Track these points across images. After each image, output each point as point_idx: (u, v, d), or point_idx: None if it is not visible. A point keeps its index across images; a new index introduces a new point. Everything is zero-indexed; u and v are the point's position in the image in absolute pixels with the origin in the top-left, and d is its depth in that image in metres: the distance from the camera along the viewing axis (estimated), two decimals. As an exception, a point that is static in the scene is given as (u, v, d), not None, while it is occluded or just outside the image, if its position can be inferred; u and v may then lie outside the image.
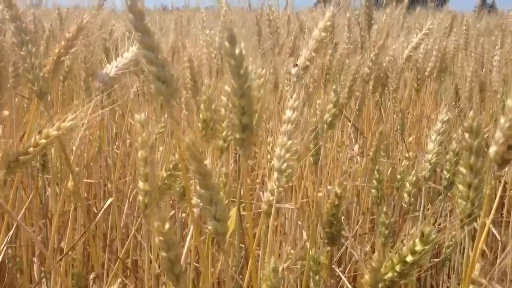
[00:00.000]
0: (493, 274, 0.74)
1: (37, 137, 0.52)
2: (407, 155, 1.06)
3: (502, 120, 0.32)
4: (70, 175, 0.71)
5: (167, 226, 0.36)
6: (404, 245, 0.38)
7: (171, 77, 0.39)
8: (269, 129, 1.04)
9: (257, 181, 1.12)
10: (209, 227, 0.41)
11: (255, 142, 1.02)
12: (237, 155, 0.94)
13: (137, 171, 0.41)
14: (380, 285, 0.37)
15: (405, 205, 0.67)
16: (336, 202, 0.47)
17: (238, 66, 0.38)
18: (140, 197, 0.41)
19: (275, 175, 0.45)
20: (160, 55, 0.39)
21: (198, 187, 0.40)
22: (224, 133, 0.53)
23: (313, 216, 0.82)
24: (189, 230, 0.90)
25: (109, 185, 1.16)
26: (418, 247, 0.36)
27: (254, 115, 0.39)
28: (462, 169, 0.37)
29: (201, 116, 0.56)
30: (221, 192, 0.42)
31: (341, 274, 0.91)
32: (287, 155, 0.44)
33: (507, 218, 1.07)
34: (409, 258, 0.37)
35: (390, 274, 0.38)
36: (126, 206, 1.00)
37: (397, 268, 0.38)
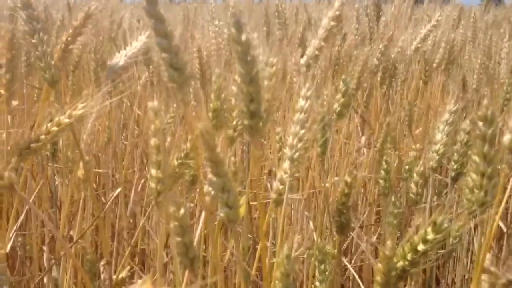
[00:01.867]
0: (502, 263, 0.74)
1: (49, 124, 0.52)
2: (414, 146, 1.06)
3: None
4: (81, 163, 0.71)
5: (182, 211, 0.36)
6: (415, 234, 0.38)
7: (184, 65, 0.39)
8: (277, 119, 1.04)
9: (264, 172, 1.13)
10: (221, 214, 0.41)
11: (263, 132, 1.02)
12: (244, 146, 0.94)
13: (150, 158, 0.41)
14: (392, 273, 0.37)
15: (413, 196, 0.67)
16: (346, 191, 0.47)
17: (245, 52, 0.39)
18: (152, 185, 0.42)
19: (287, 164, 0.45)
20: (173, 42, 0.39)
21: (209, 175, 0.41)
22: (234, 123, 0.53)
23: (321, 206, 0.82)
24: (196, 220, 0.90)
25: (117, 175, 1.17)
26: (430, 236, 0.36)
27: (262, 102, 0.40)
28: (475, 158, 0.37)
29: (211, 105, 0.57)
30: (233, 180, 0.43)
31: (348, 264, 0.91)
32: (300, 144, 0.44)
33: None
34: (420, 247, 0.37)
35: (401, 263, 0.38)
36: (132, 194, 1.00)
37: (409, 256, 0.38)
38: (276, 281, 0.39)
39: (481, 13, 2.00)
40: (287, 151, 0.45)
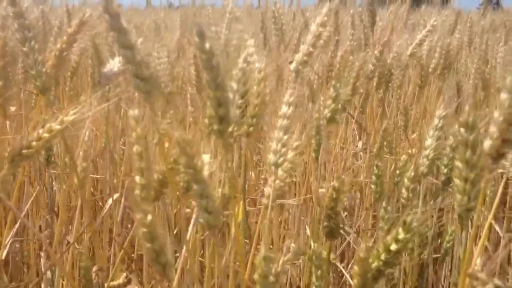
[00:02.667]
0: (493, 269, 0.75)
1: (40, 131, 0.52)
2: (409, 151, 1.07)
3: (496, 114, 0.33)
4: (77, 169, 0.72)
5: (149, 217, 0.37)
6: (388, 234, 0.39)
7: (149, 75, 0.40)
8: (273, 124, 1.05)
9: (262, 176, 1.13)
10: (200, 220, 0.41)
11: (259, 138, 1.03)
12: (241, 151, 0.95)
13: (133, 165, 0.42)
14: (368, 275, 0.38)
15: (403, 201, 0.68)
16: (334, 196, 0.48)
17: (209, 59, 0.40)
18: (137, 191, 0.42)
19: (272, 168, 0.46)
20: (138, 54, 0.40)
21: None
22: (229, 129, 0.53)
23: (317, 212, 0.83)
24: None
25: (115, 181, 1.17)
26: (401, 236, 0.37)
27: (229, 106, 0.41)
28: (458, 164, 0.37)
29: (207, 112, 0.57)
30: (213, 186, 0.43)
31: (343, 270, 0.91)
32: (283, 149, 0.45)
33: (509, 214, 1.08)
34: (393, 247, 0.38)
35: (376, 263, 0.39)
36: (123, 200, 1.01)
37: (382, 257, 0.39)
38: (257, 284, 0.40)
39: (479, 17, 2.01)
40: (270, 156, 0.46)
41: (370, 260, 0.38)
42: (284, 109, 0.45)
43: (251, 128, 0.42)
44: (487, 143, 0.33)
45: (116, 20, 0.39)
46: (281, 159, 0.45)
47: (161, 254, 0.37)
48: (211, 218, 0.40)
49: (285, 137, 0.45)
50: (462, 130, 0.36)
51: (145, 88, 0.40)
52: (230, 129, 0.40)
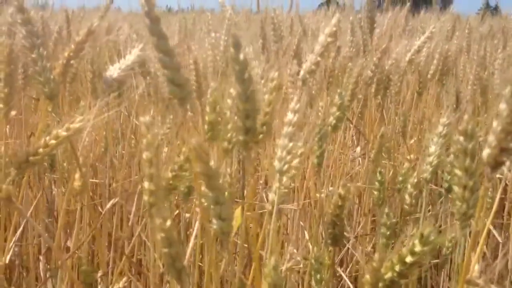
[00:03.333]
0: (492, 275, 0.75)
1: (47, 138, 0.53)
2: (408, 157, 1.07)
3: (494, 123, 0.34)
4: (78, 174, 0.72)
5: (168, 223, 0.37)
6: (404, 246, 0.39)
7: (185, 81, 0.41)
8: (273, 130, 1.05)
9: (260, 182, 1.13)
10: (214, 227, 0.42)
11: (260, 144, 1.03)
12: (240, 157, 0.95)
13: (142, 172, 0.42)
14: (380, 284, 0.38)
15: (407, 207, 0.68)
16: (339, 203, 0.48)
17: (242, 71, 0.40)
18: (145, 197, 0.43)
19: (277, 176, 0.46)
20: (175, 59, 0.40)
21: (203, 188, 0.42)
22: (229, 135, 0.54)
23: (317, 216, 0.83)
24: (193, 230, 0.91)
25: (114, 185, 1.17)
26: (418, 248, 0.37)
27: (257, 118, 0.41)
28: (458, 171, 0.38)
29: (207, 118, 0.58)
30: (226, 193, 0.44)
31: (343, 274, 0.92)
32: (288, 157, 0.45)
33: (508, 220, 1.08)
34: (408, 259, 0.38)
35: (390, 274, 0.39)
36: (132, 204, 1.01)
37: (397, 268, 0.39)
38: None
39: (477, 23, 2.02)
40: (276, 164, 0.46)
41: (383, 271, 0.38)
42: (289, 116, 0.45)
43: (260, 136, 0.42)
44: (485, 152, 0.34)
45: (156, 25, 0.39)
46: (286, 166, 0.45)
47: (177, 260, 0.38)
48: (225, 224, 0.40)
49: (291, 144, 0.45)
50: (461, 138, 0.37)
51: (180, 94, 0.40)
52: (252, 139, 0.40)
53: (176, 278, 0.39)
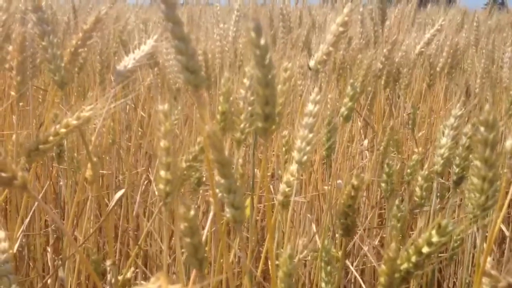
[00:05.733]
0: (503, 267, 0.75)
1: (57, 126, 0.53)
2: (416, 150, 1.07)
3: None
4: (89, 164, 0.72)
5: (192, 212, 0.37)
6: (420, 236, 0.39)
7: (199, 68, 0.40)
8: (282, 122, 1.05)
9: (268, 174, 1.13)
10: (227, 215, 0.42)
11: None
12: (249, 148, 0.95)
13: (159, 160, 0.42)
14: (396, 275, 0.38)
15: (417, 199, 0.68)
16: (352, 194, 0.48)
17: (263, 56, 0.39)
18: (161, 186, 0.42)
19: (294, 167, 0.46)
20: (190, 46, 0.40)
21: (216, 176, 0.41)
22: (242, 125, 0.54)
23: (326, 208, 0.83)
24: (200, 221, 0.91)
25: (121, 177, 1.18)
26: (435, 239, 0.37)
27: (276, 105, 0.40)
28: (477, 162, 0.38)
29: (220, 108, 0.57)
30: (239, 182, 0.44)
31: (351, 266, 0.92)
32: (308, 147, 0.45)
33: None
34: (425, 249, 0.38)
35: (406, 265, 0.39)
36: (138, 195, 1.01)
37: (413, 259, 0.38)
38: (279, 281, 0.40)
39: (485, 17, 2.01)
40: (295, 154, 0.46)
41: (399, 261, 0.38)
42: (310, 107, 0.45)
43: (273, 126, 0.42)
44: (509, 142, 0.33)
45: (172, 11, 0.39)
46: (305, 157, 0.45)
47: (199, 249, 0.38)
48: (238, 213, 0.40)
49: (311, 135, 0.45)
50: (482, 128, 0.36)
51: (195, 81, 0.40)
52: (272, 127, 0.39)
53: (198, 267, 0.38)
